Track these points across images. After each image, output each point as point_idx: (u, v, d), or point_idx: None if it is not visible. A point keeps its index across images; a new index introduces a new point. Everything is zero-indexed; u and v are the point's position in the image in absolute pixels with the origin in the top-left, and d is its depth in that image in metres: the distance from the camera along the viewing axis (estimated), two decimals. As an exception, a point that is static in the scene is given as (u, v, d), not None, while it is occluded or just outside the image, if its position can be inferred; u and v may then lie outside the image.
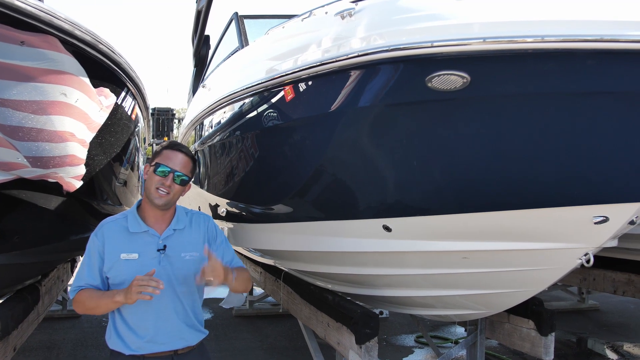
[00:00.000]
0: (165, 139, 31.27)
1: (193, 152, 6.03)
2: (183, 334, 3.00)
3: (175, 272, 2.95)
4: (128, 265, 2.88)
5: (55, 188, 3.67)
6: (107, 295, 2.84)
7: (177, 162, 2.97)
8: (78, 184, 3.82)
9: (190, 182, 3.08)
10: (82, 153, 3.57)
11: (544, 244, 3.35)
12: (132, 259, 2.90)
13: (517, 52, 2.68)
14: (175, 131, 33.86)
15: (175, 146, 3.04)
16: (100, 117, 3.59)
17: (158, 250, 2.94)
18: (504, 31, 2.67)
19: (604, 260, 6.45)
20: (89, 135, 3.55)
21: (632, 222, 3.15)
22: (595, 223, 3.12)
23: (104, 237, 2.95)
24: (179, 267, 2.95)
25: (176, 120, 35.11)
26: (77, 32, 3.01)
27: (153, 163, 2.97)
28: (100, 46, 3.28)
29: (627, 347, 6.71)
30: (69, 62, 3.07)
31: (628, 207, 3.06)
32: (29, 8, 2.65)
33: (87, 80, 3.22)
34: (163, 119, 35.00)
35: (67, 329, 7.71)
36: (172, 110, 36.32)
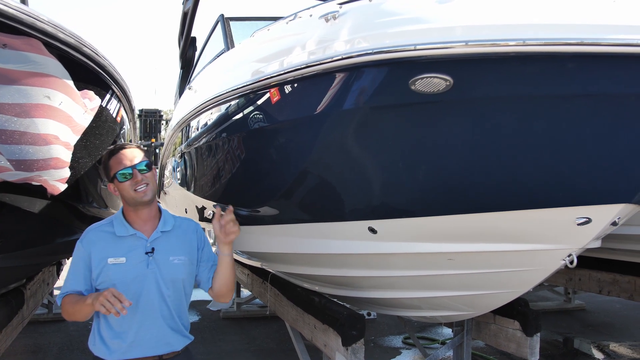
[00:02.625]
0: (153, 140, 31.16)
1: (180, 154, 6.04)
2: (168, 338, 2.99)
3: (163, 276, 2.94)
4: (116, 269, 2.87)
5: (40, 191, 3.65)
6: (82, 299, 2.83)
7: (129, 158, 2.95)
8: (62, 186, 3.80)
9: (154, 166, 3.08)
10: (66, 156, 3.55)
11: (528, 245, 3.37)
12: (120, 263, 2.89)
13: (499, 55, 2.69)
14: (162, 132, 33.74)
15: (114, 150, 3.01)
16: (84, 119, 3.57)
17: (146, 253, 2.93)
18: (486, 34, 2.69)
19: (589, 261, 6.49)
20: (74, 138, 3.53)
21: (614, 223, 3.18)
22: (579, 224, 3.14)
23: (90, 244, 2.94)
24: (167, 271, 2.95)
25: (164, 122, 34.97)
26: (61, 35, 3.00)
27: (112, 177, 2.95)
28: (84, 49, 3.27)
29: (613, 346, 6.76)
30: (53, 64, 3.05)
31: (610, 209, 3.08)
32: (11, 11, 2.63)
33: (71, 82, 3.20)
34: (151, 121, 34.85)
35: (52, 332, 7.67)
36: (159, 111, 36.18)
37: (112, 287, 2.78)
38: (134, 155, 2.97)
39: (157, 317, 2.96)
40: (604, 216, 3.11)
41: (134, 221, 2.99)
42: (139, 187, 2.91)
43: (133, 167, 2.92)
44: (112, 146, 3.07)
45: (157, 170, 3.08)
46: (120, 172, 2.91)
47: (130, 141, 5.87)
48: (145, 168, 2.96)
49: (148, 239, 2.96)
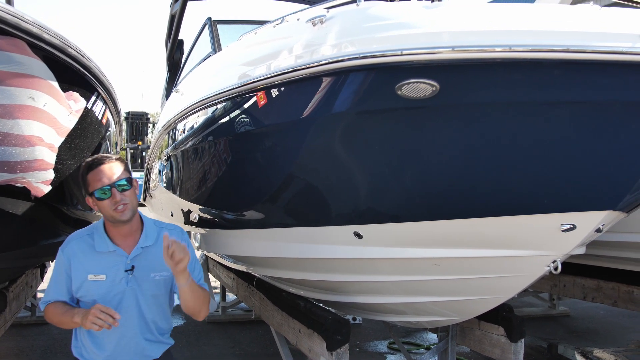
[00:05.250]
0: (140, 143, 31.08)
1: (166, 157, 6.02)
2: (146, 351, 2.98)
3: (144, 292, 2.91)
4: (96, 286, 2.85)
5: (23, 193, 3.62)
6: (68, 314, 2.82)
7: (108, 175, 2.84)
8: (47, 188, 3.77)
9: (135, 178, 3.01)
10: (50, 158, 3.52)
11: (512, 251, 3.39)
12: (100, 280, 2.86)
13: (486, 61, 2.71)
14: (149, 135, 33.62)
15: (93, 164, 2.87)
16: (69, 121, 3.55)
17: (126, 270, 2.89)
18: (473, 40, 2.70)
19: (573, 267, 6.52)
20: (58, 140, 3.51)
21: (599, 230, 3.21)
22: (563, 231, 3.16)
23: (71, 255, 2.91)
24: (148, 288, 2.91)
25: (151, 125, 34.86)
26: (45, 36, 2.98)
27: (90, 194, 2.85)
28: (70, 50, 3.24)
29: (597, 352, 6.77)
30: (37, 65, 3.03)
31: (595, 215, 3.10)
32: (-5, 11, 2.62)
33: (55, 84, 3.18)
34: (137, 123, 34.75)
35: (35, 335, 7.59)
36: (146, 114, 36.09)
37: (95, 303, 2.78)
38: (113, 171, 2.84)
39: (136, 332, 2.94)
40: (589, 223, 3.13)
41: (114, 235, 2.94)
42: (118, 206, 2.82)
43: (112, 185, 2.81)
44: (90, 158, 2.93)
45: (140, 182, 2.98)
46: (98, 189, 2.82)
47: (116, 144, 5.84)
48: (125, 184, 2.85)
49: (128, 255, 2.92)
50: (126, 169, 2.93)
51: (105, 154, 2.98)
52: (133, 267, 2.90)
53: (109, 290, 2.85)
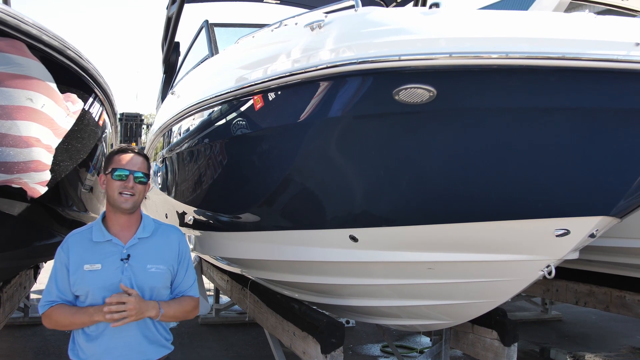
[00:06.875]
0: (133, 144, 31.00)
1: (161, 159, 6.02)
2: (142, 347, 2.93)
3: (139, 283, 2.89)
4: (91, 276, 2.84)
5: (20, 193, 3.62)
6: (83, 313, 2.80)
7: (133, 162, 2.97)
8: (43, 189, 3.76)
9: (150, 181, 3.08)
10: (47, 159, 3.53)
11: (507, 255, 3.41)
12: (95, 270, 2.85)
13: (482, 68, 2.74)
14: (143, 137, 33.54)
15: (126, 149, 3.03)
16: (66, 122, 3.55)
17: (122, 259, 2.90)
18: (470, 47, 2.73)
19: (566, 272, 6.56)
20: (55, 141, 3.51)
21: (592, 235, 3.23)
22: (557, 236, 3.19)
23: (69, 249, 2.91)
24: (143, 279, 2.89)
25: (145, 126, 34.80)
26: (45, 38, 2.99)
27: (109, 170, 2.95)
28: (68, 52, 3.26)
29: (589, 357, 6.81)
30: (36, 67, 3.04)
31: (589, 221, 3.13)
32: (-3, 13, 2.63)
33: (54, 85, 3.19)
34: (131, 124, 34.68)
35: (28, 336, 7.57)
36: (140, 115, 36.01)
37: (89, 295, 2.81)
38: (139, 163, 2.99)
39: (131, 325, 2.90)
40: (583, 228, 3.16)
41: (113, 225, 2.97)
42: (125, 192, 2.91)
43: (132, 171, 2.94)
44: (125, 145, 3.10)
45: (150, 189, 3.08)
46: (119, 170, 2.93)
47: (112, 146, 5.84)
48: (142, 177, 2.96)
49: (125, 245, 2.94)
50: (148, 168, 3.06)
51: (139, 149, 3.10)
52: (129, 255, 2.91)
53: (103, 280, 2.84)
